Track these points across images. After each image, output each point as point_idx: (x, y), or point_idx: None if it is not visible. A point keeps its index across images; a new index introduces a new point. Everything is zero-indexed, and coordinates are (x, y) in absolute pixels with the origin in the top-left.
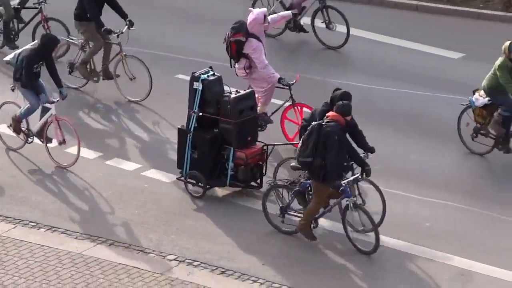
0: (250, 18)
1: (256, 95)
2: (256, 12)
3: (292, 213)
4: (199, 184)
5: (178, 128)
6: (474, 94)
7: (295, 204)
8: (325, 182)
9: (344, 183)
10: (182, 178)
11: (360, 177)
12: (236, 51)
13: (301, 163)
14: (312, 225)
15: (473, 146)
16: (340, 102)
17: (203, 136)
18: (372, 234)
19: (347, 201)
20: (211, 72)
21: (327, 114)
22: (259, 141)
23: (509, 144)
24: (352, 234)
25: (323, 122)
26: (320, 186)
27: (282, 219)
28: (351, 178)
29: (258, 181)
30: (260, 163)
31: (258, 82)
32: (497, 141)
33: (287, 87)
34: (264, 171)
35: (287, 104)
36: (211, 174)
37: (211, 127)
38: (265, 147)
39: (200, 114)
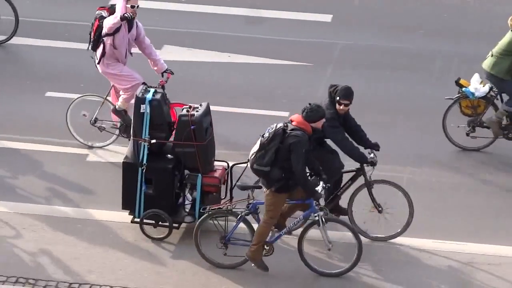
0: None
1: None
2: None
3: (238, 242)
4: (161, 224)
5: (123, 162)
6: (459, 85)
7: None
8: (281, 193)
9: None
10: (137, 220)
11: (324, 186)
12: (96, 29)
13: (255, 171)
14: (265, 250)
15: (466, 143)
16: (308, 105)
17: (163, 167)
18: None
19: (315, 216)
20: (153, 89)
21: (291, 118)
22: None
23: None
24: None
25: (286, 127)
26: (276, 197)
27: (225, 251)
28: (321, 188)
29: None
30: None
31: (118, 79)
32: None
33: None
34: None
35: None
36: (175, 210)
37: (160, 154)
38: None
39: (154, 141)
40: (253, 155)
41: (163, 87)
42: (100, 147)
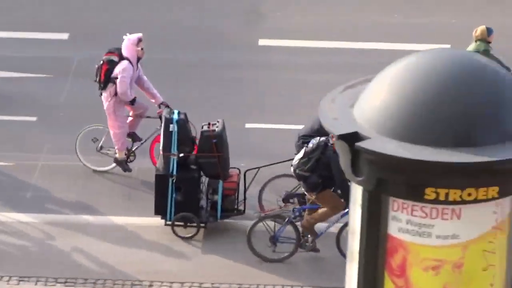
0: (124, 41)
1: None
2: (130, 35)
3: (285, 240)
4: (189, 224)
5: (156, 174)
6: None
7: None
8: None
9: None
10: (169, 223)
11: None
12: (105, 72)
13: (297, 175)
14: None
15: None
16: None
17: (191, 177)
18: None
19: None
20: (176, 110)
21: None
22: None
23: None
24: None
25: (329, 142)
26: (323, 195)
27: (274, 248)
28: None
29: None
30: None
31: (114, 122)
32: None
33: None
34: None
35: (157, 134)
36: (201, 212)
37: (185, 165)
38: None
39: (182, 155)
40: (297, 161)
41: (160, 117)
42: (105, 171)
